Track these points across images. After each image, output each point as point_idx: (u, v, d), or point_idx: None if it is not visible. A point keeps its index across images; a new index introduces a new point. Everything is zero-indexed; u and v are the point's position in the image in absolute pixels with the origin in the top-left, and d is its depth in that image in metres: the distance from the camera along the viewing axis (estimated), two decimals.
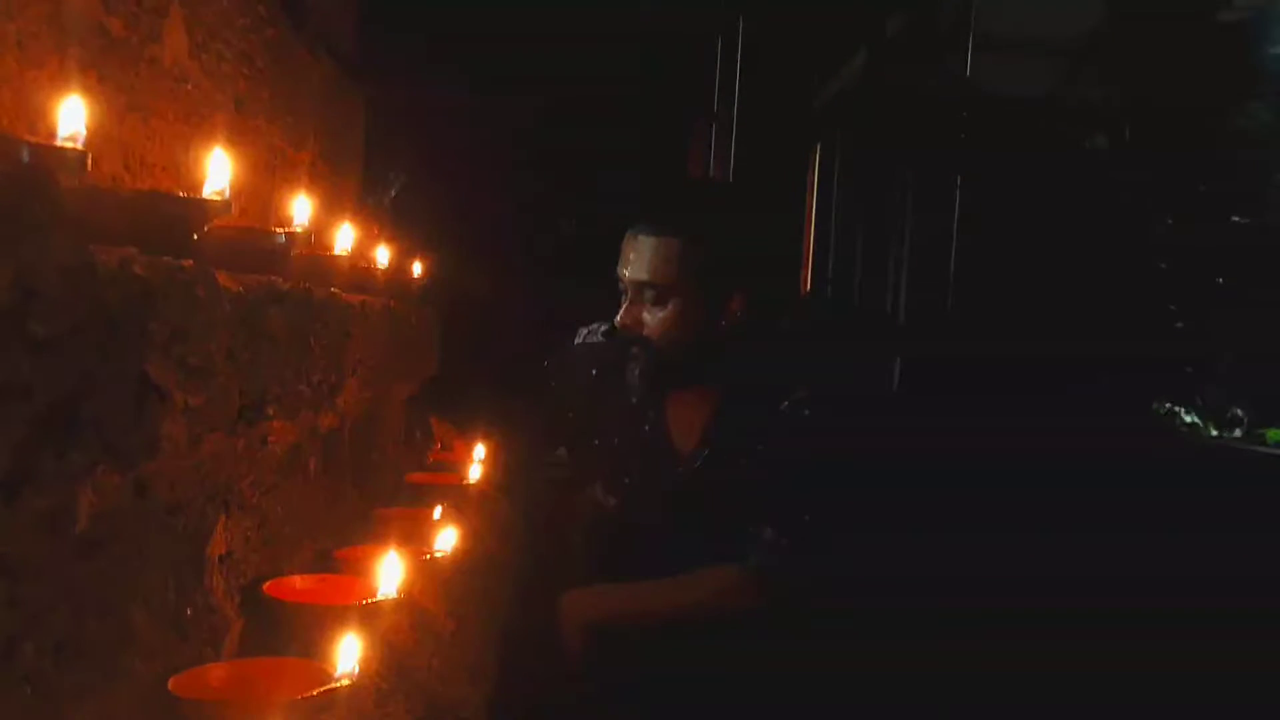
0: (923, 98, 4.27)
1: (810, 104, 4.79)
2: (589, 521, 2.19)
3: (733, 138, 4.75)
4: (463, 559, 1.51)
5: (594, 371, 2.09)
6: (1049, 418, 3.55)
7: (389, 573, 1.22)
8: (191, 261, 0.88)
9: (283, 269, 1.14)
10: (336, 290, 1.33)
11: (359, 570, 1.30)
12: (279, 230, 1.15)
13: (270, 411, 1.10)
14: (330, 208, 1.51)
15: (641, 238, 1.89)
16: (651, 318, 1.90)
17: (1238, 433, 4.68)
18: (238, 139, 1.41)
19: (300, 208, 1.21)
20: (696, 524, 1.96)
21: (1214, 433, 4.77)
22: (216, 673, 0.97)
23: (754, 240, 2.03)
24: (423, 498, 1.73)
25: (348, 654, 0.97)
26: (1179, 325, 4.59)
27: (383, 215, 1.91)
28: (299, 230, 1.16)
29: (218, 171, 0.97)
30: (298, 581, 1.24)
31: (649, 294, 1.89)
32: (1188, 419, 4.74)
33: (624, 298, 1.95)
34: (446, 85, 2.67)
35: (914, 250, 4.21)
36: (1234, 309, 4.54)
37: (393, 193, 1.95)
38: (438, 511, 1.59)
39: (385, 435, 1.85)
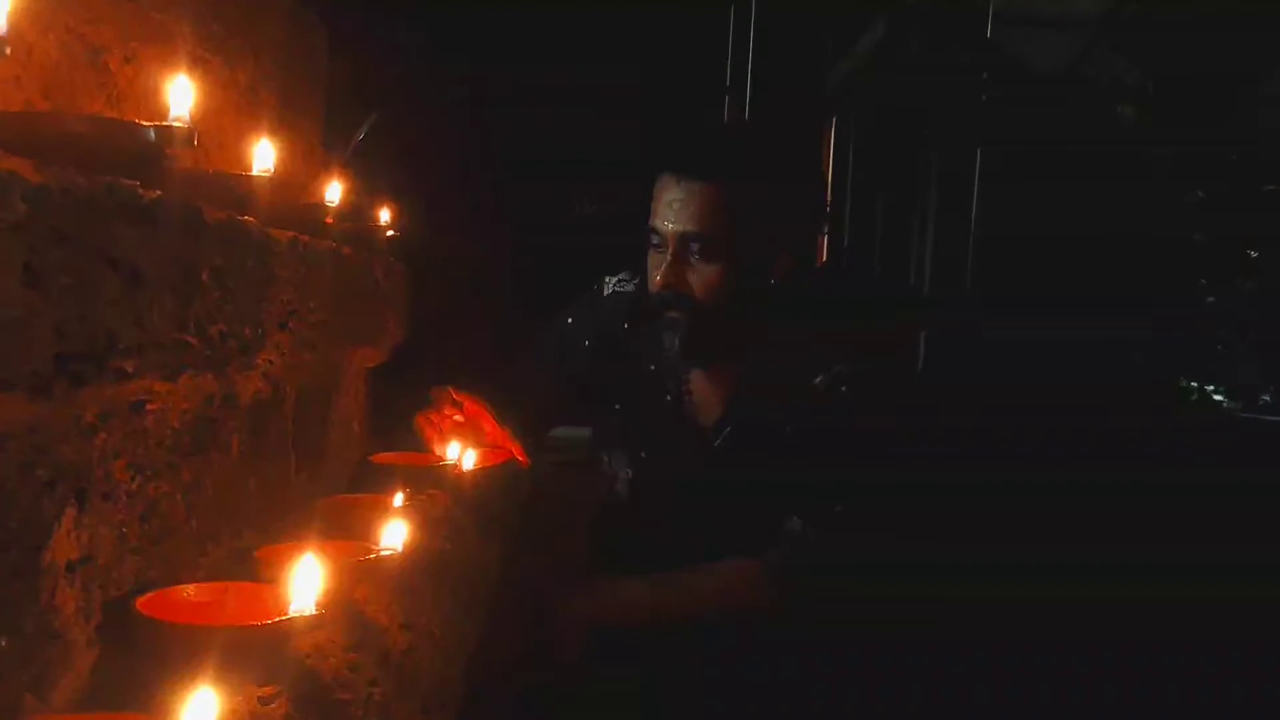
0: (944, 65, 3.91)
1: (825, 77, 4.44)
2: (595, 505, 1.90)
3: (746, 112, 4.41)
4: (422, 556, 1.17)
5: (626, 325, 1.78)
6: (1082, 395, 3.25)
7: (306, 580, 0.89)
8: None
9: (152, 177, 0.80)
10: (252, 220, 0.99)
11: (281, 575, 0.97)
12: (145, 124, 0.81)
13: (129, 367, 0.77)
14: (277, 142, 1.17)
15: (686, 183, 1.57)
16: (697, 277, 1.58)
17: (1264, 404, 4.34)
18: (134, 38, 1.07)
19: (179, 96, 0.87)
20: (714, 510, 1.66)
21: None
22: None
23: (800, 190, 1.73)
24: (389, 482, 1.39)
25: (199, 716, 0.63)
26: (1210, 300, 4.24)
27: (348, 160, 1.58)
28: (176, 125, 0.82)
29: None
30: (189, 592, 0.90)
31: (694, 248, 1.57)
32: (1216, 397, 4.39)
33: (655, 252, 1.63)
34: (429, 47, 2.35)
35: (938, 224, 3.86)
36: (1266, 282, 4.19)
37: (360, 135, 1.62)
38: (399, 498, 1.26)
39: (345, 408, 1.51)
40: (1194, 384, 4.47)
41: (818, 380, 1.68)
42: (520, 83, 2.71)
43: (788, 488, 1.63)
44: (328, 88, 1.70)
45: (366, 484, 1.45)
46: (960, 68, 4.00)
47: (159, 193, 0.79)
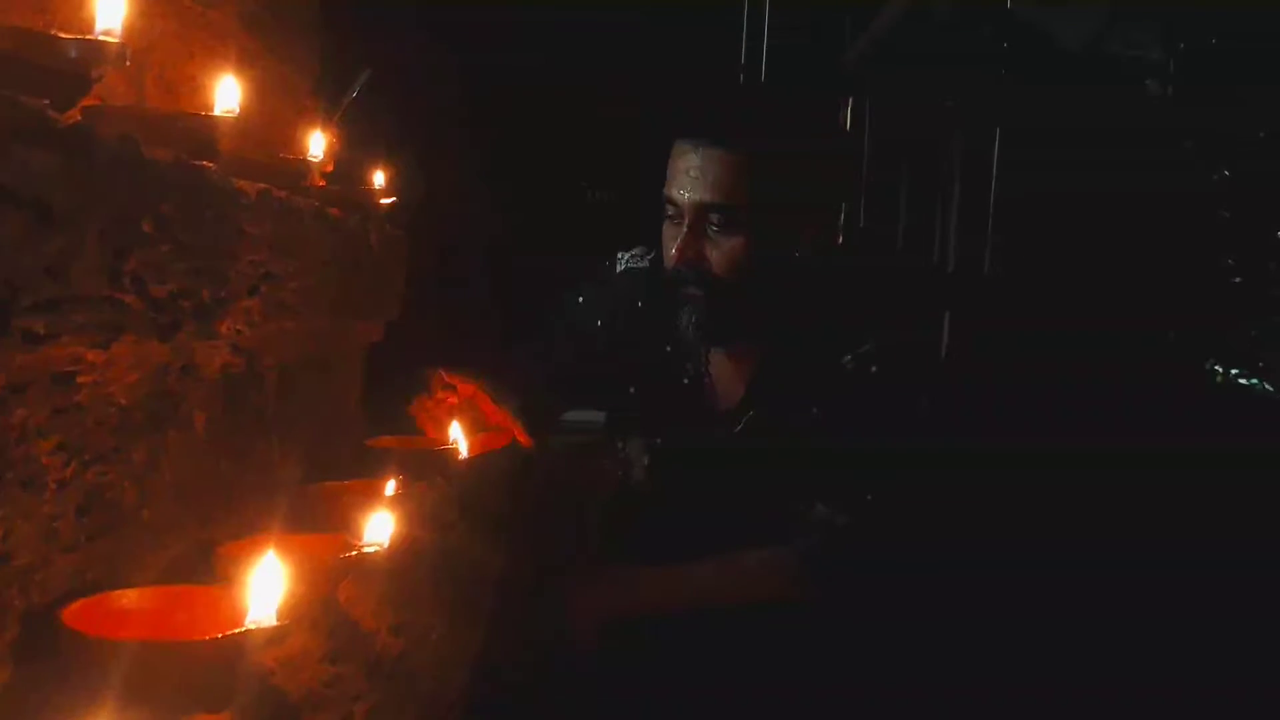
0: (964, 35, 3.73)
1: (844, 49, 4.27)
2: (609, 492, 1.76)
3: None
4: (416, 550, 1.02)
5: (640, 304, 1.63)
6: (1112, 374, 3.09)
7: (266, 583, 0.73)
8: None
9: (72, 100, 0.65)
10: (211, 165, 0.83)
11: (243, 575, 0.81)
12: (63, 35, 0.65)
13: (40, 328, 0.61)
14: (256, 88, 1.01)
15: (705, 150, 1.43)
16: (716, 251, 1.45)
17: None
18: None
19: (108, 8, 0.71)
20: (736, 497, 1.51)
21: None
22: None
23: (826, 158, 1.59)
24: (384, 467, 1.23)
25: None
26: (1237, 280, 4.04)
27: (341, 119, 1.42)
28: (104, 40, 0.67)
29: None
30: (129, 598, 0.75)
31: (714, 219, 1.42)
32: (1241, 380, 4.20)
33: (671, 224, 1.48)
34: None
35: (963, 197, 3.69)
36: None
37: (354, 92, 1.46)
38: (391, 486, 1.10)
39: (340, 387, 1.36)
40: (1218, 367, 4.28)
41: (845, 360, 1.53)
42: (528, 54, 2.55)
43: (814, 474, 1.49)
44: (323, 47, 1.54)
45: (364, 471, 1.29)
46: (981, 41, 3.82)
47: (79, 117, 0.64)
